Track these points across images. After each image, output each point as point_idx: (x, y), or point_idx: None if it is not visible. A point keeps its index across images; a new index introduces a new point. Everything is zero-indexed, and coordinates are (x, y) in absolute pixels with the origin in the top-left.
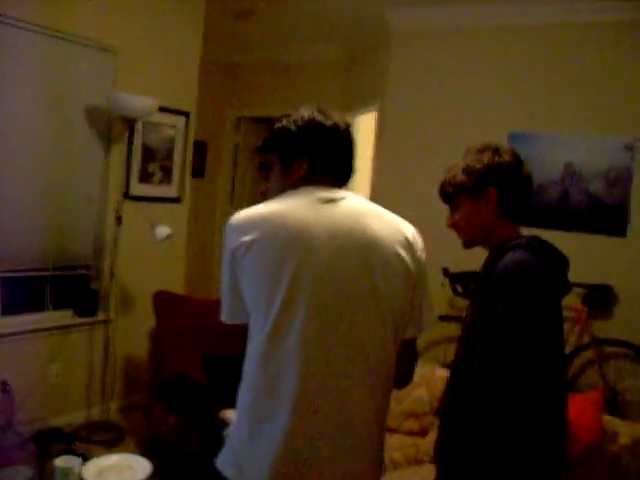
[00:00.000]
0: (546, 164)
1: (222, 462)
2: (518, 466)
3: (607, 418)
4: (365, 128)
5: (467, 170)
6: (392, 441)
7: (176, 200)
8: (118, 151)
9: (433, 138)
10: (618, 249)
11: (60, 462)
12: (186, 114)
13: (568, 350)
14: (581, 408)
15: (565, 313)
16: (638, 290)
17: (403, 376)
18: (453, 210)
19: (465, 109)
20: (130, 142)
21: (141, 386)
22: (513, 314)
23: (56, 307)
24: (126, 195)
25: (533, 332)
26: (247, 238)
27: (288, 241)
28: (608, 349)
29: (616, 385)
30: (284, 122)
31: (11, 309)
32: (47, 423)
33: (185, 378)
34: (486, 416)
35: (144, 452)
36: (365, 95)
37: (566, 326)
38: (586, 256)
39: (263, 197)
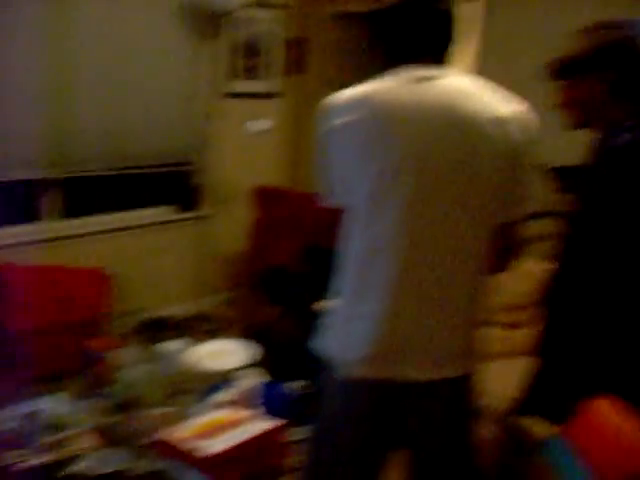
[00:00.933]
0: None
1: (320, 343)
2: (629, 360)
3: None
4: (471, 18)
5: (587, 47)
6: (489, 333)
7: (273, 96)
8: (213, 48)
9: (541, 29)
10: None
11: (167, 346)
12: (282, 7)
13: None
14: None
15: None
16: None
17: (502, 261)
18: (567, 88)
19: None
20: (226, 38)
21: (244, 278)
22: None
23: (159, 203)
24: (224, 92)
25: None
26: (342, 120)
27: (381, 122)
28: None
29: None
30: None
31: (118, 205)
32: (157, 313)
33: (285, 270)
34: (599, 308)
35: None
36: None
37: None
38: None
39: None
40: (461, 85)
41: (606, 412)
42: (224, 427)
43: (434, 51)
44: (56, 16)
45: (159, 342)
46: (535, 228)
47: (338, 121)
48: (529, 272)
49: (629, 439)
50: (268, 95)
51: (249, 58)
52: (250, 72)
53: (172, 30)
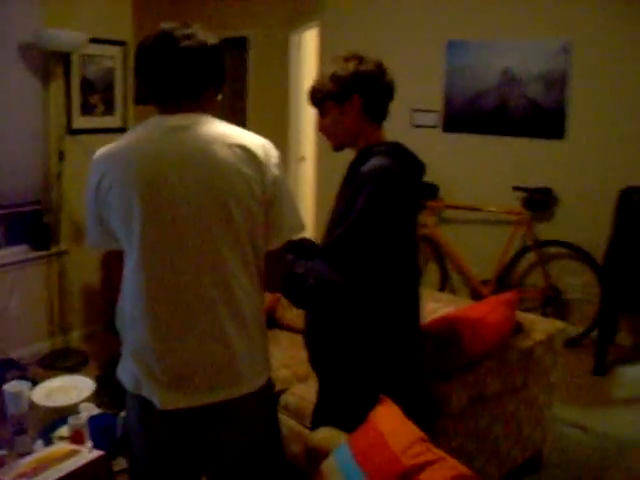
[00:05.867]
0: (484, 71)
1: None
2: (374, 352)
3: (527, 316)
4: (310, 45)
5: (333, 78)
6: None
7: (121, 130)
8: (57, 86)
9: (374, 50)
10: (557, 152)
11: (10, 387)
12: (123, 43)
13: (512, 253)
14: (490, 307)
15: (508, 217)
16: (577, 191)
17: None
18: (322, 116)
19: (404, 20)
20: (67, 76)
21: (99, 313)
22: (371, 210)
23: (11, 243)
24: (69, 129)
25: (387, 228)
26: (104, 175)
27: (137, 175)
28: (550, 250)
29: (558, 284)
30: None
31: None
32: (11, 354)
33: None
34: (337, 300)
35: (106, 374)
36: (307, 10)
37: (509, 229)
38: (526, 160)
39: None
40: (213, 132)
41: (380, 418)
42: (50, 463)
43: (185, 93)
44: None
45: (7, 382)
46: None
47: (100, 176)
48: None
49: (396, 443)
50: (115, 129)
51: (94, 94)
52: (95, 108)
53: (15, 71)
